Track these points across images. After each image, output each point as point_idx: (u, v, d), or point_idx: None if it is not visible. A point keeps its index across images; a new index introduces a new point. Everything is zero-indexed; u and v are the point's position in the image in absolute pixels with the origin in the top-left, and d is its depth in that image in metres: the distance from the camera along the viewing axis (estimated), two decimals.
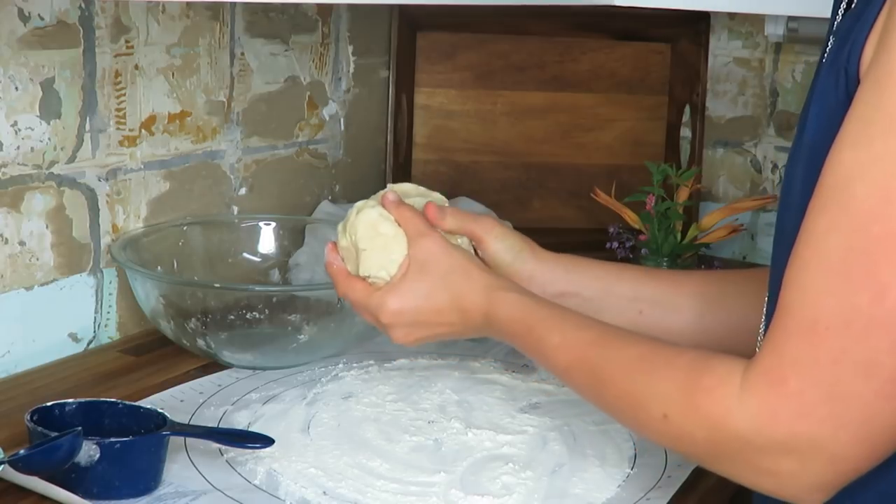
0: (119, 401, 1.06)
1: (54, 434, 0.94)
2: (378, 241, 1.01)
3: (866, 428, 0.74)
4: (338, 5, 1.68)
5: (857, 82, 0.77)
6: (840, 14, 0.87)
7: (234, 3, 1.50)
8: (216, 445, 1.07)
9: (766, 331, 0.94)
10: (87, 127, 1.32)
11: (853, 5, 0.82)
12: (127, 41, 1.36)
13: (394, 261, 1.00)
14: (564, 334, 0.93)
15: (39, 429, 0.97)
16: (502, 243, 1.07)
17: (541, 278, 1.07)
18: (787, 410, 0.75)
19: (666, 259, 1.60)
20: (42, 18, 1.25)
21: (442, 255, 1.00)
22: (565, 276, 1.09)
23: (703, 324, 1.10)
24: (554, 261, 1.09)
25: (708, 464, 0.83)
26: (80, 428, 0.94)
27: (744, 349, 1.08)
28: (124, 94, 1.36)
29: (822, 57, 0.88)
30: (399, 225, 1.02)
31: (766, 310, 0.94)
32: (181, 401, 1.20)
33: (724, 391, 0.78)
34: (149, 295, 1.29)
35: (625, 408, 0.87)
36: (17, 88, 1.24)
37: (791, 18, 1.76)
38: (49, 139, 1.28)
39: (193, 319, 1.29)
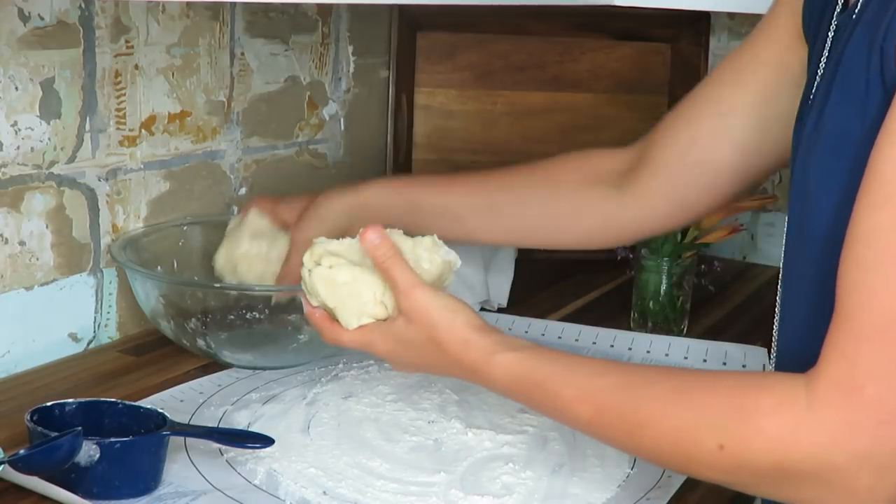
0: (119, 401, 1.06)
1: (54, 434, 0.94)
2: (343, 291, 0.98)
3: None
4: (338, 5, 1.68)
5: (893, 60, 0.74)
6: (838, 6, 0.86)
7: (234, 3, 1.50)
8: (216, 445, 1.07)
9: (786, 331, 0.92)
10: (87, 127, 1.32)
11: None
12: (127, 41, 1.36)
13: (367, 301, 0.98)
14: (580, 385, 0.87)
15: (39, 429, 0.97)
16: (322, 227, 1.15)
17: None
18: (868, 420, 0.71)
19: (666, 259, 1.60)
20: (42, 18, 1.25)
21: (426, 311, 0.95)
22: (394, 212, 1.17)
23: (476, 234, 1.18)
24: (373, 210, 1.18)
25: (771, 492, 0.78)
26: (80, 428, 0.94)
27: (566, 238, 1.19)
28: (124, 94, 1.36)
29: (819, 54, 0.87)
30: (361, 266, 0.99)
31: (782, 308, 0.92)
32: (181, 401, 1.20)
33: (790, 410, 0.73)
34: (149, 295, 1.29)
35: (670, 447, 0.81)
36: (17, 88, 1.24)
37: None
38: (49, 139, 1.28)
39: (193, 319, 1.29)
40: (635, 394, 0.84)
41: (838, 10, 0.87)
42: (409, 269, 0.97)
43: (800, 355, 0.82)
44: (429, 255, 1.01)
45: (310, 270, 1.00)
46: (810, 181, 0.83)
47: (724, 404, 0.78)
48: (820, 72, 0.86)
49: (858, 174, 0.74)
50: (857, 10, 0.82)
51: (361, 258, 1.00)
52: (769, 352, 1.01)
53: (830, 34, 0.86)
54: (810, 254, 0.84)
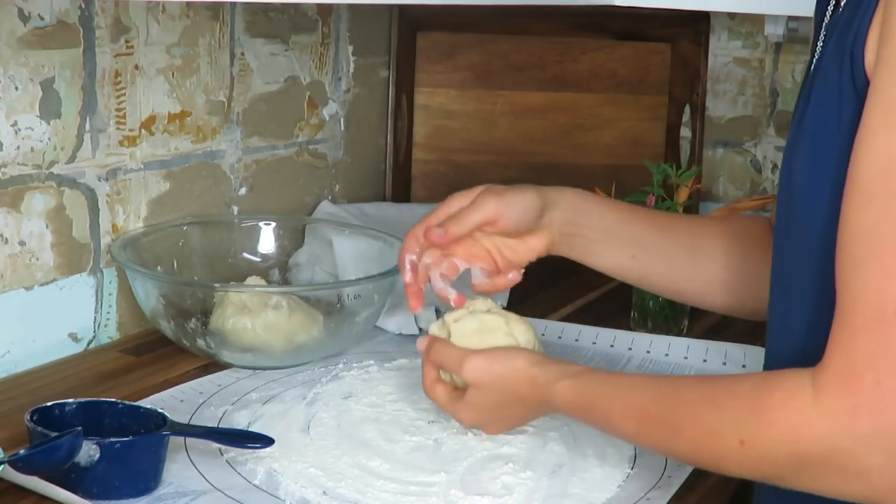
0: (119, 401, 1.06)
1: (54, 434, 0.94)
2: (474, 337, 1.08)
3: None
4: (338, 5, 1.68)
5: (863, 66, 0.78)
6: (828, 13, 0.88)
7: (234, 3, 1.50)
8: (216, 445, 1.07)
9: (774, 327, 0.94)
10: (87, 127, 1.32)
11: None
12: (127, 41, 1.36)
13: (499, 338, 1.08)
14: (625, 402, 0.94)
15: (39, 429, 0.97)
16: (512, 212, 1.11)
17: (555, 224, 1.13)
18: (867, 404, 0.75)
19: None
20: (42, 18, 1.25)
21: (487, 373, 1.04)
22: (573, 217, 1.14)
23: (686, 272, 1.15)
24: (562, 207, 1.14)
25: (794, 481, 0.82)
26: (80, 428, 0.94)
27: (712, 299, 1.16)
28: (124, 94, 1.36)
29: (813, 55, 0.89)
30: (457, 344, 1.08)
31: (771, 304, 0.94)
32: (181, 401, 1.20)
33: (798, 401, 0.78)
34: (149, 295, 1.29)
35: (700, 448, 0.87)
36: (17, 88, 1.24)
37: (791, 18, 1.76)
38: (49, 139, 1.28)
39: (193, 319, 1.29)
40: (670, 403, 0.90)
41: (828, 15, 0.88)
42: (452, 347, 1.07)
43: (789, 342, 0.88)
44: (522, 332, 1.11)
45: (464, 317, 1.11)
46: (794, 178, 0.86)
47: (742, 403, 0.83)
48: (809, 74, 0.89)
49: (839, 174, 0.79)
50: (825, 24, 0.86)
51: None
52: None
53: (822, 38, 0.87)
54: (793, 248, 0.88)
